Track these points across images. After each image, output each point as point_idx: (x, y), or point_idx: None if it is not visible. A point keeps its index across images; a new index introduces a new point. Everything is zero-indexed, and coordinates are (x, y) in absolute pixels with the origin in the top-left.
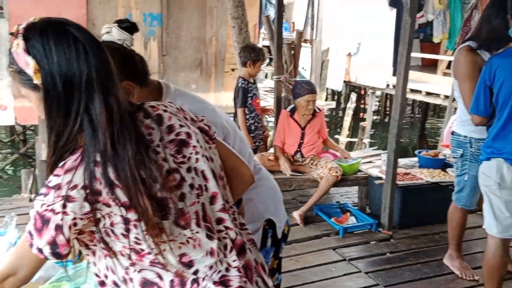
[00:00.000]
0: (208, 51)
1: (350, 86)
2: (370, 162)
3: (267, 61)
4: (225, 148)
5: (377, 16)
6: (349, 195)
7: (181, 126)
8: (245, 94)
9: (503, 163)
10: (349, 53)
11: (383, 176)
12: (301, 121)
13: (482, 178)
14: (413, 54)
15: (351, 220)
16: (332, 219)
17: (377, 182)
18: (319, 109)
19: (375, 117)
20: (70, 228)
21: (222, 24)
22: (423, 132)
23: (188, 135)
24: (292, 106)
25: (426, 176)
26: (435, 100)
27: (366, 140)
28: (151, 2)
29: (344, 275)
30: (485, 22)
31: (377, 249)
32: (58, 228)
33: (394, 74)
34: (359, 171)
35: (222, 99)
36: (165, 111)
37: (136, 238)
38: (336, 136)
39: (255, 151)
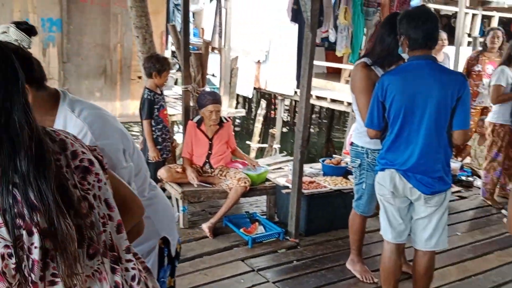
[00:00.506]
0: (112, 58)
1: (260, 93)
2: (279, 168)
3: (177, 67)
4: (115, 179)
5: (284, 25)
6: (258, 203)
7: (83, 152)
8: (151, 106)
9: (395, 173)
10: (258, 61)
11: (290, 185)
12: (208, 132)
13: (378, 187)
14: (318, 63)
15: (260, 230)
16: (241, 230)
17: (284, 191)
18: (226, 119)
19: (285, 123)
20: (3, 258)
21: (128, 30)
22: (329, 137)
23: (91, 162)
24: (199, 117)
25: (330, 183)
26: (339, 107)
27: (276, 146)
28: (50, 6)
29: (253, 286)
30: (379, 41)
31: (285, 257)
32: None
33: (298, 87)
34: (267, 180)
35: (129, 107)
36: (66, 137)
37: (52, 275)
38: (248, 142)
39: (163, 163)
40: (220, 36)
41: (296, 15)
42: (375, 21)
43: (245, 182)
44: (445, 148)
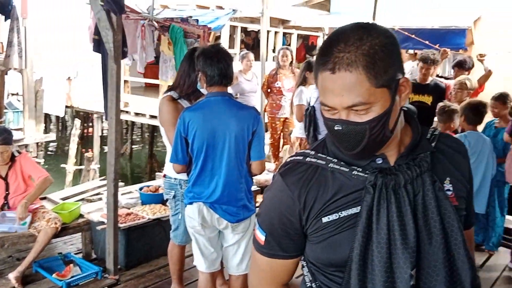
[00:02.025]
0: None
1: (74, 111)
2: (98, 194)
3: None
4: None
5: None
6: (74, 241)
7: None
8: None
9: (203, 206)
10: (69, 77)
11: (106, 220)
12: (1, 171)
13: (188, 220)
14: (135, 79)
15: (76, 271)
16: (54, 275)
17: (99, 227)
18: (19, 151)
19: (104, 142)
20: None
21: None
22: (152, 152)
23: None
24: None
25: (148, 213)
26: (158, 123)
27: (96, 167)
28: None
29: None
30: (185, 76)
31: None
32: None
33: (106, 119)
34: (81, 216)
35: None
36: None
37: None
38: (63, 165)
39: None
40: (20, 56)
41: (99, 45)
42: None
43: (55, 223)
44: (246, 178)
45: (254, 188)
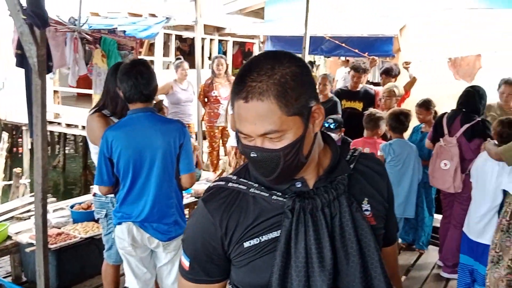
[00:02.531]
0: None
1: (2, 124)
2: (29, 211)
3: None
4: None
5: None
6: (2, 263)
7: None
8: None
9: (132, 225)
10: None
11: (35, 242)
12: None
13: (118, 241)
14: (66, 89)
15: None
16: None
17: (28, 250)
18: None
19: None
20: None
21: None
22: (87, 164)
23: None
24: None
25: (80, 232)
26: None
27: (26, 181)
28: None
29: None
30: (116, 97)
31: None
32: None
33: (31, 136)
34: (9, 238)
35: None
36: None
37: None
38: None
39: None
40: None
41: (22, 60)
42: None
43: None
44: (176, 193)
45: (192, 199)
